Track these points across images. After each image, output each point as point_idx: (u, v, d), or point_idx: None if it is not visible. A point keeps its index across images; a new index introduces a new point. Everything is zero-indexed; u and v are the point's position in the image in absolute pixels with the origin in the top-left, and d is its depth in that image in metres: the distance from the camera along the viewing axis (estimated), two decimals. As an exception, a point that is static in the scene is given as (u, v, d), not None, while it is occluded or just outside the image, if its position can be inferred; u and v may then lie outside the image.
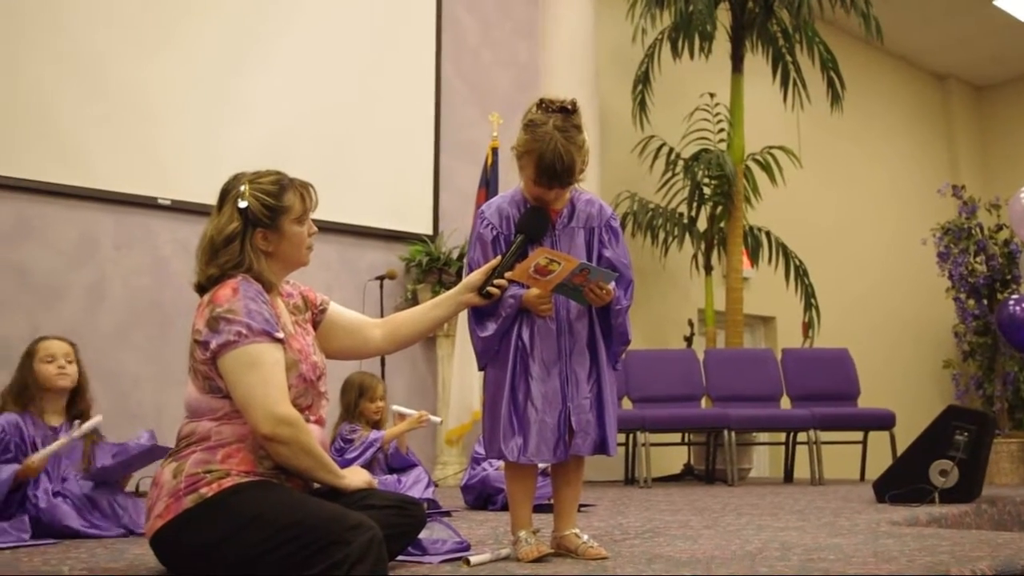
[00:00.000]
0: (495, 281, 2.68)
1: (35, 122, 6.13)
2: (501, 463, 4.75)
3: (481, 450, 5.02)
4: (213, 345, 2.26)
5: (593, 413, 2.72)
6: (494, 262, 2.72)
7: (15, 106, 6.07)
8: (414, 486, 4.53)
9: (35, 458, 3.57)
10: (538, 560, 2.64)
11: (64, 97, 6.25)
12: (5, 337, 5.81)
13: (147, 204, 6.53)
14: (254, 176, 2.46)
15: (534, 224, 2.75)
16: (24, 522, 3.44)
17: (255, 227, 2.40)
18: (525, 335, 2.72)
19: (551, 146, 2.64)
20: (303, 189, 2.50)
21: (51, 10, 6.25)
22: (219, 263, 2.38)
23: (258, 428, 2.22)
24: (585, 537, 2.77)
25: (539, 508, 3.07)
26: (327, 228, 6.72)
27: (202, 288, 2.41)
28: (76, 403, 3.88)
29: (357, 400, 4.69)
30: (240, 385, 2.24)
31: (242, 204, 2.39)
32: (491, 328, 2.73)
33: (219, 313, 2.28)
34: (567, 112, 2.72)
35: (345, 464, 4.14)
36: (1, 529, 3.35)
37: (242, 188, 2.41)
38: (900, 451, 5.49)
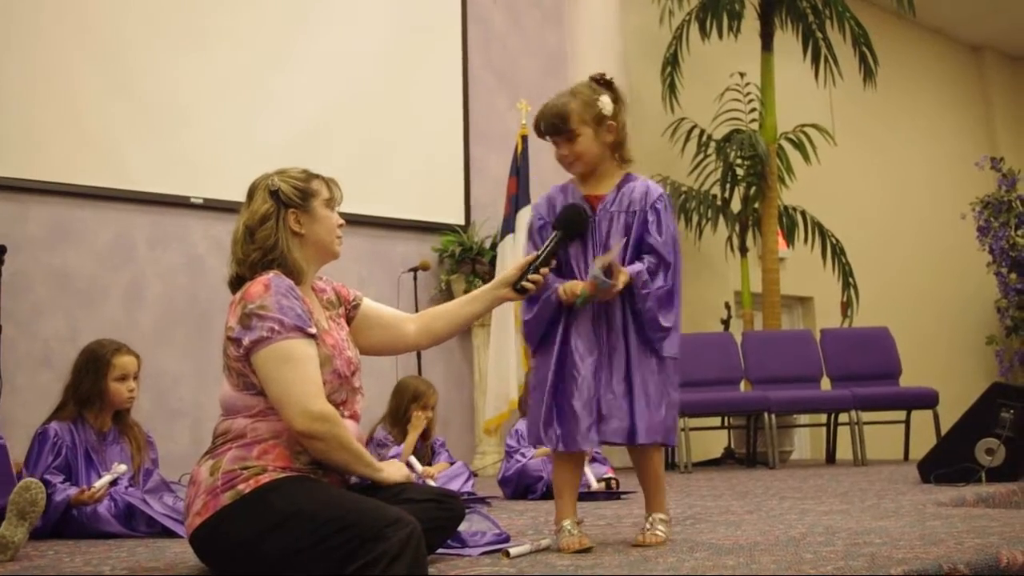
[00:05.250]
0: (530, 276, 2.66)
1: (68, 125, 6.17)
2: (536, 451, 4.77)
3: (512, 442, 5.02)
4: (246, 342, 2.26)
5: (625, 400, 2.69)
6: (529, 257, 2.71)
7: (47, 110, 6.11)
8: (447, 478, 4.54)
9: (96, 487, 3.58)
10: (580, 552, 2.62)
11: (95, 98, 6.29)
12: (45, 339, 5.88)
13: (180, 203, 6.57)
14: (280, 171, 2.52)
15: (570, 221, 2.73)
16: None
17: (287, 208, 2.44)
18: (571, 324, 2.72)
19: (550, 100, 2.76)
20: (329, 180, 2.55)
21: (81, 11, 6.28)
22: (257, 243, 2.40)
23: (293, 424, 2.22)
24: (652, 525, 2.77)
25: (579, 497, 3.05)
26: (359, 221, 6.75)
27: (239, 280, 2.42)
28: (122, 411, 3.90)
29: (408, 405, 4.67)
30: (274, 381, 2.24)
31: (273, 187, 2.44)
32: (528, 314, 2.76)
33: (251, 309, 2.28)
34: (592, 79, 2.82)
35: None
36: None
37: (271, 179, 2.48)
38: (944, 430, 5.41)
